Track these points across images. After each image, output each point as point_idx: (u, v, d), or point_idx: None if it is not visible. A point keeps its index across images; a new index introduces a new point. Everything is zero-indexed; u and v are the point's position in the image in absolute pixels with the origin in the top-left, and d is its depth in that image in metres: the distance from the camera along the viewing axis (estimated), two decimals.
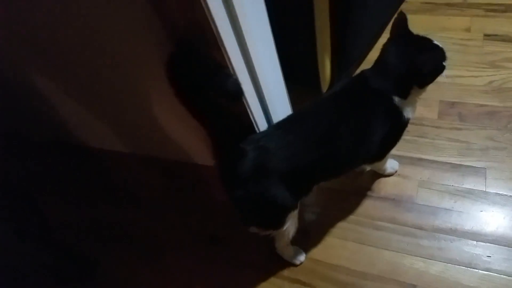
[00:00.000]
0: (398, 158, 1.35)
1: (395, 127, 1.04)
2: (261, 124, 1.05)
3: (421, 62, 0.92)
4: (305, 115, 0.97)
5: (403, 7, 1.76)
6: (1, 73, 1.29)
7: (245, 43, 0.85)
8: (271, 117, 1.08)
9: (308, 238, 1.26)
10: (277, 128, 0.95)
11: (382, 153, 1.15)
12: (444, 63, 0.96)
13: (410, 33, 0.98)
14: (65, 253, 1.34)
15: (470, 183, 1.25)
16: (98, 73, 1.13)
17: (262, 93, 0.98)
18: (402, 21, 0.98)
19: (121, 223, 1.47)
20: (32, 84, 1.29)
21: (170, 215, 1.45)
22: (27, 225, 1.36)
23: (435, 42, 0.96)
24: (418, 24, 1.69)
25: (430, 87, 1.47)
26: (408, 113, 1.01)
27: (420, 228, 1.20)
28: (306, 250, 1.24)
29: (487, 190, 1.23)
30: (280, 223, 1.02)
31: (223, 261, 1.30)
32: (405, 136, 1.40)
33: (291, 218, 1.02)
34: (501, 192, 1.22)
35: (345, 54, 1.31)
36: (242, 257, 1.29)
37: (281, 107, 1.15)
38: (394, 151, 1.37)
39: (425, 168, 1.32)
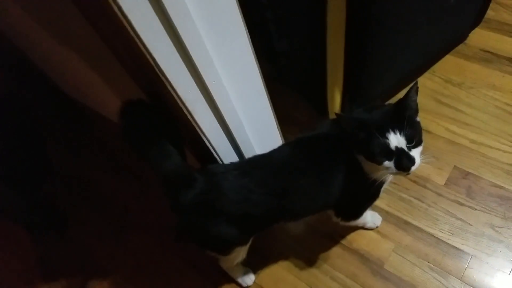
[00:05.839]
0: (385, 213, 1.27)
1: (357, 182, 0.93)
2: (227, 157, 0.98)
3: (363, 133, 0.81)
4: (268, 159, 0.92)
5: (460, 48, 1.58)
6: None
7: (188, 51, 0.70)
8: (242, 151, 1.00)
9: (264, 263, 1.24)
10: (236, 168, 0.90)
11: (355, 212, 1.08)
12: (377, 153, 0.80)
13: (403, 105, 0.80)
14: (40, 200, 1.41)
15: (448, 266, 1.15)
16: None
17: (227, 125, 0.89)
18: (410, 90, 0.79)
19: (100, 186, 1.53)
20: None
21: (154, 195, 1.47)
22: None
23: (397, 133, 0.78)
24: (465, 73, 1.51)
25: (448, 148, 1.35)
26: (371, 172, 0.89)
27: None
28: (258, 274, 1.23)
29: (462, 280, 1.13)
30: (224, 252, 1.00)
31: (178, 257, 1.32)
32: (401, 194, 1.31)
33: (239, 250, 1.00)
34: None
35: (359, 92, 1.20)
36: (198, 260, 1.30)
37: (263, 139, 1.06)
38: (384, 206, 1.29)
39: (407, 234, 1.23)
